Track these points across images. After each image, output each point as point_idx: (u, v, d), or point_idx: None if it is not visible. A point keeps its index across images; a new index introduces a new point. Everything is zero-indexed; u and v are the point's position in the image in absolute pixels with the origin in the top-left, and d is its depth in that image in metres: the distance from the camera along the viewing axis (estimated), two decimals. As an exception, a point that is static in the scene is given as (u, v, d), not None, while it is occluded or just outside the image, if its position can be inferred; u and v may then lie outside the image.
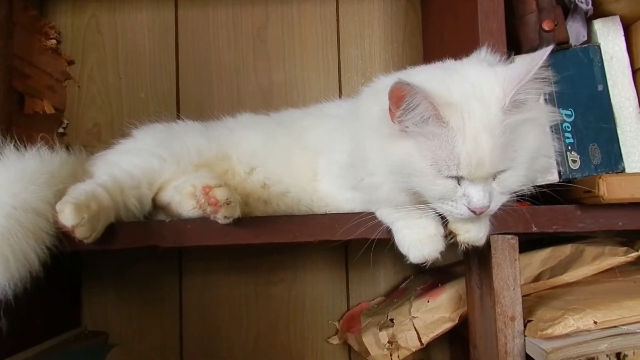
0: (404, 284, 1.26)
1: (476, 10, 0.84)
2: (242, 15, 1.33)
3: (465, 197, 0.68)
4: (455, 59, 0.79)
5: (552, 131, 0.77)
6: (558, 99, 0.87)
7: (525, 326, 0.80)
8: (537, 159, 0.72)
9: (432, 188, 0.69)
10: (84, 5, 1.33)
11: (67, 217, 0.70)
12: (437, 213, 0.75)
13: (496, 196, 0.70)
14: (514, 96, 0.67)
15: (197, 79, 1.32)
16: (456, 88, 0.69)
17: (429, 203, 0.72)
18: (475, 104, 0.67)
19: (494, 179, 0.69)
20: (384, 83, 0.81)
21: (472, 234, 0.76)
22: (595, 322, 0.75)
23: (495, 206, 0.70)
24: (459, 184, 0.69)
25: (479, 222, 0.76)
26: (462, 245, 0.76)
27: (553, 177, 0.88)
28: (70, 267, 1.26)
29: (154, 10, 1.33)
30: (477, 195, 0.68)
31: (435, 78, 0.71)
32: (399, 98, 0.66)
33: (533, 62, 0.68)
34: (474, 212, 0.69)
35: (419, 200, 0.73)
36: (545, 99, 0.86)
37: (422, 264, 0.75)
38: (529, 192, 0.76)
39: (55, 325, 1.17)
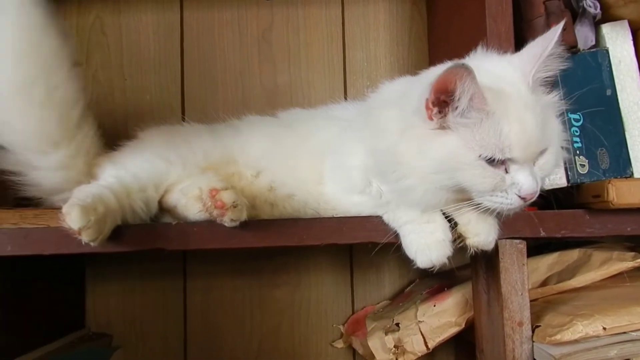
0: (409, 287, 1.26)
1: (484, 14, 0.84)
2: (247, 18, 1.33)
3: (516, 185, 0.68)
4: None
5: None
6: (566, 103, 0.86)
7: (533, 331, 0.80)
8: (558, 144, 0.74)
9: (483, 180, 0.68)
10: (89, 6, 1.32)
11: (74, 219, 0.69)
12: (446, 216, 0.75)
13: (539, 181, 0.70)
14: (535, 74, 0.70)
15: (202, 81, 1.32)
16: (483, 77, 0.67)
17: (469, 200, 0.71)
18: (507, 87, 0.69)
19: (534, 164, 0.71)
20: (393, 85, 0.81)
21: (482, 237, 0.75)
22: (604, 328, 0.75)
23: (538, 192, 0.70)
24: (507, 172, 0.69)
25: (488, 225, 0.75)
26: (471, 249, 0.76)
27: (561, 182, 0.87)
28: (74, 268, 1.26)
29: (159, 12, 1.33)
30: (527, 180, 0.68)
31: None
32: (448, 86, 0.65)
33: (547, 40, 0.70)
34: (524, 199, 0.69)
35: (456, 198, 0.72)
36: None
37: (429, 269, 0.74)
38: (541, 190, 0.76)
39: (59, 327, 1.17)
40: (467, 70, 0.63)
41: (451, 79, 0.65)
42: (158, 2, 1.33)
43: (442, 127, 0.68)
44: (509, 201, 0.69)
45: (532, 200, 0.70)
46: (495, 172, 0.68)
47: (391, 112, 0.74)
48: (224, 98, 1.32)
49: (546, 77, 0.73)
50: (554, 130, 0.73)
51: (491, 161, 0.68)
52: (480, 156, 0.67)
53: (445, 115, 0.68)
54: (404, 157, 0.70)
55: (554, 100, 0.76)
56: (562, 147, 0.77)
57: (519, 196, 0.69)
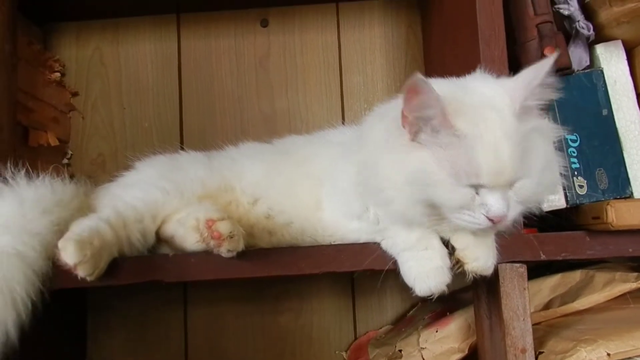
0: (411, 311, 1.25)
1: (477, 37, 0.84)
2: (244, 45, 1.34)
3: (484, 206, 0.67)
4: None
5: (556, 148, 0.76)
6: (562, 125, 0.86)
7: (536, 358, 0.78)
8: (546, 171, 0.72)
9: (450, 198, 0.68)
10: (88, 38, 1.34)
11: (70, 255, 0.70)
12: (444, 241, 0.75)
13: (513, 205, 0.69)
14: (524, 102, 0.68)
15: (200, 109, 1.33)
16: (469, 98, 0.69)
17: (444, 218, 0.71)
18: (490, 112, 0.68)
19: (510, 188, 0.69)
20: (386, 104, 0.82)
21: (481, 262, 0.74)
22: (608, 354, 0.73)
23: (512, 216, 0.69)
24: (477, 193, 0.68)
25: (487, 249, 0.75)
26: (470, 274, 0.75)
27: (560, 203, 0.87)
28: (76, 300, 1.26)
29: (157, 42, 1.34)
30: (496, 203, 0.67)
31: (447, 90, 0.70)
32: (412, 95, 0.66)
33: (539, 69, 0.69)
34: (492, 220, 0.68)
35: (434, 214, 0.71)
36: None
37: (428, 297, 0.73)
38: (537, 212, 0.76)
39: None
40: (427, 87, 0.64)
41: (414, 89, 0.66)
42: (156, 32, 1.34)
43: (419, 142, 0.69)
44: (477, 220, 0.68)
45: (502, 223, 0.68)
46: (465, 191, 0.67)
47: (377, 126, 0.76)
48: (222, 125, 1.32)
49: (537, 105, 0.71)
50: (538, 158, 0.70)
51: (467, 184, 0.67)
52: (450, 175, 0.67)
53: (419, 131, 0.68)
54: (382, 166, 0.71)
55: (543, 125, 0.73)
56: (561, 174, 0.76)
57: (487, 217, 0.68)
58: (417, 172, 0.68)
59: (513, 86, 0.70)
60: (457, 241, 0.75)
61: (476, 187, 0.67)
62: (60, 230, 0.77)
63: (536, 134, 0.70)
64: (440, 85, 0.72)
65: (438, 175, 0.67)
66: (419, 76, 0.64)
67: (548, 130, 0.75)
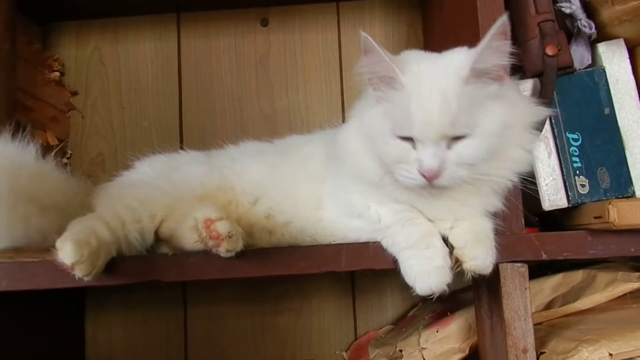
0: (412, 311, 1.24)
1: (478, 36, 0.83)
2: (245, 44, 1.34)
3: (418, 161, 0.70)
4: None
5: (556, 138, 0.78)
6: (564, 123, 0.86)
7: (538, 358, 0.78)
8: (501, 138, 0.72)
9: (388, 150, 0.73)
10: (87, 37, 1.34)
11: (67, 254, 0.69)
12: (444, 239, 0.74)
13: (450, 165, 0.70)
14: (474, 65, 0.70)
15: (200, 108, 1.32)
16: (426, 60, 0.74)
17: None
18: (436, 72, 0.72)
19: (449, 148, 0.70)
20: None
21: (479, 261, 0.74)
22: (610, 355, 0.73)
23: (449, 177, 0.70)
24: (414, 149, 0.71)
25: (485, 248, 0.74)
26: (469, 273, 0.75)
27: (562, 203, 0.86)
28: (74, 298, 1.25)
29: (157, 41, 1.34)
30: (426, 158, 0.70)
31: (418, 55, 0.78)
32: (365, 54, 0.72)
33: (489, 33, 0.70)
34: (424, 176, 0.70)
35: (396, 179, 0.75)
36: (552, 122, 0.85)
37: (428, 296, 0.73)
38: (505, 187, 0.77)
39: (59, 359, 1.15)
40: (370, 43, 0.70)
41: (363, 48, 0.72)
42: (155, 31, 1.34)
43: (379, 101, 0.74)
44: (412, 175, 0.71)
45: (436, 180, 0.70)
46: (402, 145, 0.72)
47: (355, 103, 0.83)
48: (222, 124, 1.32)
49: (492, 70, 0.71)
50: (489, 121, 0.71)
51: (403, 136, 0.72)
52: (391, 128, 0.72)
53: (377, 89, 0.74)
54: (350, 130, 0.80)
55: (509, 94, 0.74)
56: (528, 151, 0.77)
57: (420, 173, 0.70)
58: (368, 126, 0.76)
59: (472, 51, 0.73)
60: (455, 239, 0.76)
61: (413, 143, 0.71)
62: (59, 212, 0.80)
63: (495, 101, 0.72)
64: (419, 54, 0.80)
65: (381, 127, 0.73)
66: (364, 35, 0.70)
67: (519, 103, 0.76)
